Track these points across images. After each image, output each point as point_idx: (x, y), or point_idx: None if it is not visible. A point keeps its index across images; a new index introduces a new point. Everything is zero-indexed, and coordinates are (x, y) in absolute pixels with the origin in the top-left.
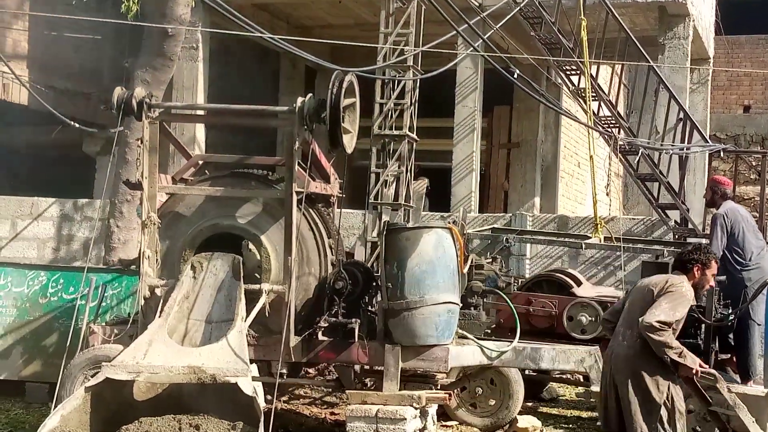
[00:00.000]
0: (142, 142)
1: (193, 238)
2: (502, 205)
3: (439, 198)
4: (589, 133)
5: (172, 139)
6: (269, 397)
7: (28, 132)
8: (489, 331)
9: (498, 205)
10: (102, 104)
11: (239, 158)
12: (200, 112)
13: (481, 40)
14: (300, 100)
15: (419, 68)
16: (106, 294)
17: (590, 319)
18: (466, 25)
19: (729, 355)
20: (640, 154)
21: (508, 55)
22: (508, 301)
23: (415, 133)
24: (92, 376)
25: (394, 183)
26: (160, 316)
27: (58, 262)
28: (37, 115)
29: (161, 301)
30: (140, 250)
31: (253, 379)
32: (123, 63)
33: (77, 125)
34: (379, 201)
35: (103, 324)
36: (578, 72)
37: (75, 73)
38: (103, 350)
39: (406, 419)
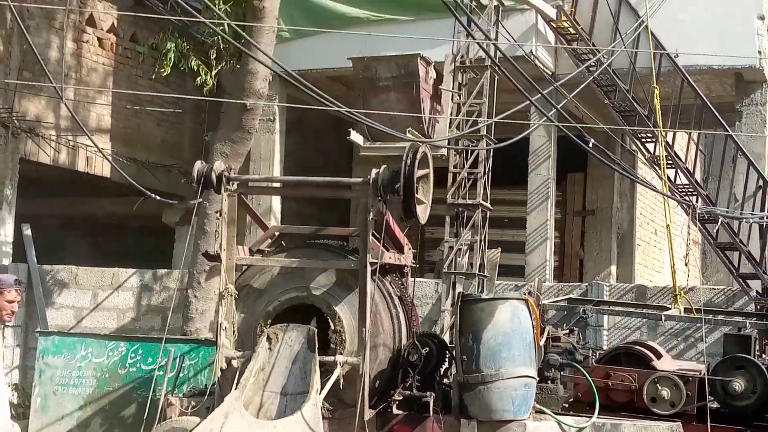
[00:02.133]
0: (221, 215)
1: (269, 309)
2: (577, 273)
3: (513, 267)
4: (665, 201)
5: (249, 210)
6: None
7: (110, 204)
8: (567, 405)
9: (573, 274)
10: (182, 178)
11: (314, 229)
12: (277, 184)
13: (555, 110)
14: (374, 171)
15: (492, 137)
16: (183, 365)
17: (671, 393)
18: (539, 95)
19: None
20: (719, 222)
21: (582, 125)
22: (586, 375)
23: (488, 201)
24: None
25: (468, 252)
26: (236, 388)
27: (137, 333)
28: (118, 187)
29: (237, 372)
30: (217, 321)
31: None
32: (203, 136)
33: (157, 197)
34: (453, 270)
35: (181, 395)
36: (653, 139)
37: (156, 146)
38: (180, 422)
39: None
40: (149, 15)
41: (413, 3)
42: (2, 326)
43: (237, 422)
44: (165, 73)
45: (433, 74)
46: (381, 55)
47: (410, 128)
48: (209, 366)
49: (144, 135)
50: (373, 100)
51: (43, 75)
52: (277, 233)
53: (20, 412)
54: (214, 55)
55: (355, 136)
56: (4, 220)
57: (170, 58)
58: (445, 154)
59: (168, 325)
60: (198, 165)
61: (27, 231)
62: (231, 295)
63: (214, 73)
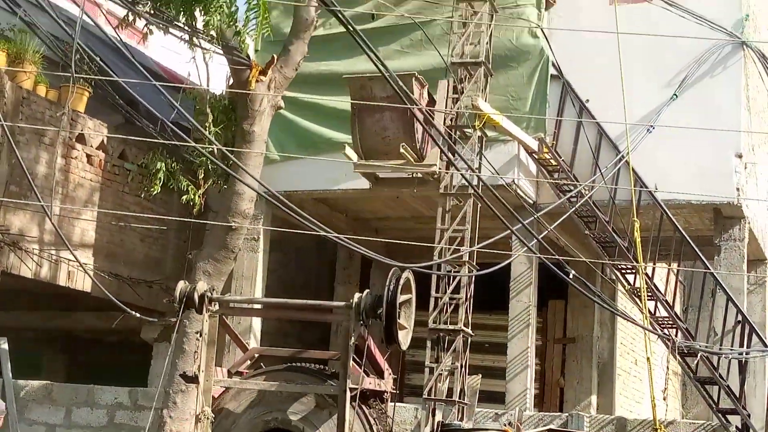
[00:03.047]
0: (201, 335)
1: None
2: (557, 401)
3: (494, 393)
4: (645, 334)
5: (230, 331)
6: None
7: (89, 318)
8: None
9: (554, 402)
10: (164, 294)
11: (294, 352)
12: (258, 306)
13: (535, 240)
14: (357, 295)
15: (474, 263)
16: None
17: None
18: (521, 224)
19: None
20: (699, 356)
21: (564, 258)
22: None
23: (470, 326)
24: None
25: (448, 377)
26: None
27: None
28: (98, 302)
29: None
30: None
31: None
32: (187, 254)
33: (137, 314)
34: (432, 396)
35: None
36: (633, 271)
37: (139, 261)
38: None
39: None
40: (139, 138)
41: None
42: None
43: None
44: (154, 192)
45: (426, 97)
46: (375, 74)
47: (404, 144)
48: None
49: (127, 250)
50: (368, 120)
51: (30, 189)
52: (256, 355)
53: None
54: (202, 175)
55: (350, 152)
56: None
57: (159, 178)
58: (437, 172)
59: None
60: (181, 285)
61: (3, 344)
62: (207, 418)
63: (201, 192)
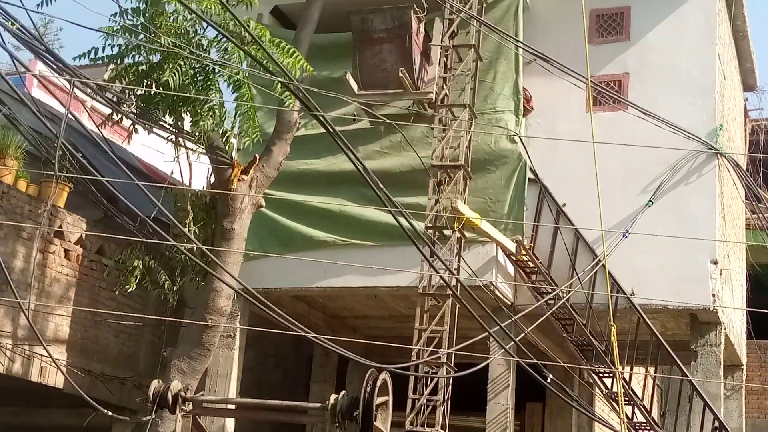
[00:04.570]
0: None
1: None
2: None
3: None
4: None
5: (202, 431)
6: None
7: (59, 414)
8: None
9: None
10: (136, 391)
11: None
12: (232, 406)
13: (513, 342)
14: (333, 397)
15: (452, 364)
16: None
17: None
18: (498, 326)
19: None
20: None
21: (541, 362)
22: None
23: (447, 429)
24: None
25: None
26: None
27: None
28: (70, 398)
29: None
30: None
31: None
32: (161, 351)
33: (109, 413)
34: None
35: None
36: (611, 375)
37: (112, 357)
38: None
39: None
40: (117, 236)
41: (380, 231)
42: None
43: None
44: (130, 290)
45: (423, 31)
46: (377, 7)
47: (403, 70)
48: None
49: (101, 346)
50: (368, 51)
51: (5, 283)
52: None
53: None
54: (179, 271)
55: (350, 80)
56: None
57: (135, 275)
58: (433, 98)
59: None
60: (155, 384)
61: None
62: None
63: (176, 288)
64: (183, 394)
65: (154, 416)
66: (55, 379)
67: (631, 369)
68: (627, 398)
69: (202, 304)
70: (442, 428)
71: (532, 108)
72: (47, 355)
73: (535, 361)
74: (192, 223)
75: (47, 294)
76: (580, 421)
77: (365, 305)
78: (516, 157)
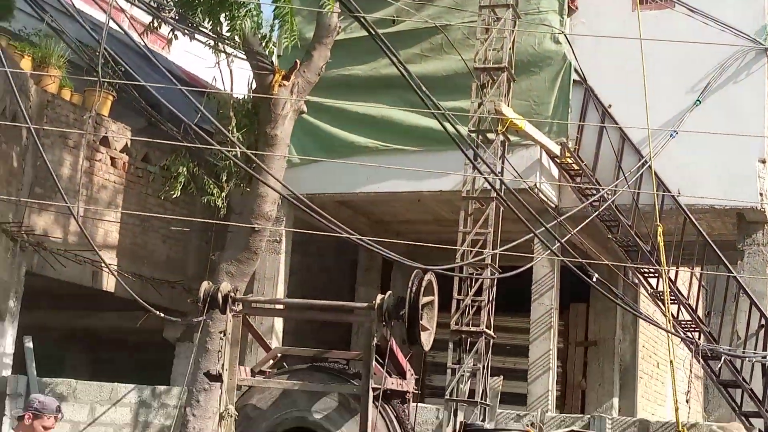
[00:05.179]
0: (224, 335)
1: (269, 431)
2: (579, 404)
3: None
4: (668, 337)
5: (253, 331)
6: None
7: (112, 318)
8: None
9: (575, 404)
10: (186, 294)
11: (317, 352)
12: (281, 307)
13: (558, 243)
14: (379, 297)
15: (497, 266)
16: None
17: None
18: (543, 228)
19: None
20: (722, 360)
21: (586, 261)
22: None
23: (491, 329)
24: None
25: (470, 378)
26: None
27: None
28: (122, 302)
29: None
30: None
31: None
32: (210, 255)
33: (161, 314)
34: (454, 397)
35: None
36: (656, 275)
37: (161, 262)
38: None
39: None
40: (162, 141)
41: (421, 135)
42: None
43: None
44: (174, 195)
45: None
46: None
47: None
48: None
49: (150, 251)
50: None
51: (55, 191)
52: (279, 354)
53: None
54: (225, 178)
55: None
56: (5, 332)
57: (180, 181)
58: None
59: None
60: (205, 285)
61: (28, 343)
62: (231, 416)
63: (224, 194)
64: (232, 294)
65: (204, 317)
66: (107, 283)
67: (677, 269)
68: (672, 297)
69: (248, 209)
70: (486, 328)
71: (577, 8)
72: (99, 260)
73: (580, 260)
74: (235, 130)
75: (95, 201)
76: (625, 321)
77: (409, 210)
78: (560, 57)
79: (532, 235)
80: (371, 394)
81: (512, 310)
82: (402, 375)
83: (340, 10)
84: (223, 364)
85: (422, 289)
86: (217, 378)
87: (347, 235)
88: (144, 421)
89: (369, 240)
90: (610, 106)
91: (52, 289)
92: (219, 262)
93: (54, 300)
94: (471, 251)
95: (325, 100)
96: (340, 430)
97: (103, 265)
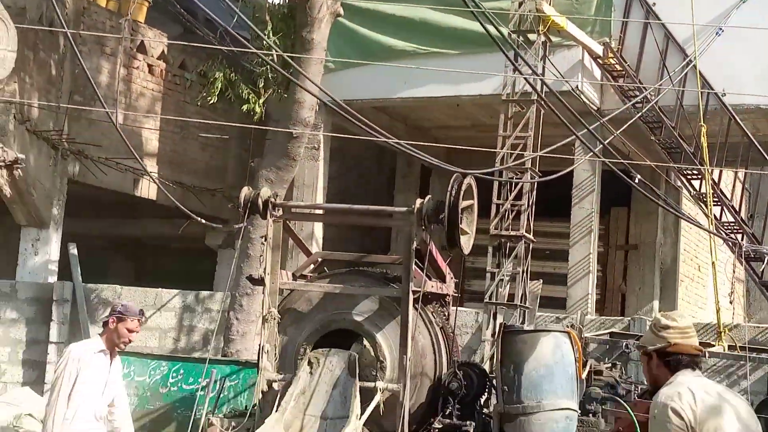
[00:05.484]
0: (265, 240)
1: (311, 333)
2: (619, 308)
3: (555, 299)
4: (711, 239)
5: (293, 236)
6: None
7: (154, 225)
8: None
9: (615, 308)
10: (226, 202)
11: (357, 256)
12: (320, 211)
13: (601, 145)
14: (419, 201)
15: (537, 170)
16: (224, 386)
17: None
18: (585, 130)
19: None
20: (765, 261)
21: (628, 161)
22: (629, 409)
23: (531, 233)
24: None
25: (509, 283)
26: (276, 411)
27: (177, 353)
28: (163, 209)
29: (278, 395)
30: (260, 344)
31: None
32: (249, 162)
33: (203, 221)
34: (494, 301)
35: (221, 416)
36: (699, 176)
37: (201, 170)
38: None
39: None
40: (199, 45)
41: (460, 38)
42: (113, 356)
43: None
44: (212, 101)
45: None
46: None
47: None
48: (249, 388)
49: (190, 159)
50: None
51: (93, 99)
52: (320, 259)
53: None
54: (262, 84)
55: None
56: (50, 239)
57: (217, 87)
58: None
59: (210, 347)
60: (245, 191)
61: (73, 250)
62: (274, 319)
63: (262, 101)
64: (272, 199)
65: (245, 223)
66: (148, 191)
67: (721, 171)
68: (715, 198)
69: (285, 115)
70: (526, 232)
71: None
72: (139, 167)
73: (622, 160)
74: (271, 34)
75: (133, 108)
76: (666, 224)
77: (447, 115)
78: None
79: (573, 138)
80: (411, 296)
81: (552, 215)
82: (442, 279)
83: None
84: (265, 268)
85: (462, 192)
86: (259, 282)
87: (385, 139)
88: (189, 326)
89: (406, 143)
90: (654, 3)
91: (94, 198)
92: (258, 169)
93: (97, 208)
94: (512, 154)
95: (363, 3)
96: (381, 332)
97: (143, 172)
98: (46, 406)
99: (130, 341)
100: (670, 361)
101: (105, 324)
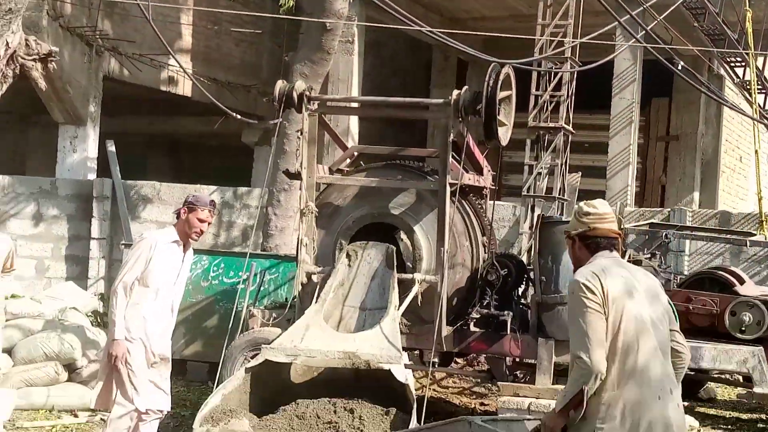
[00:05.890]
0: (301, 134)
1: (349, 227)
2: (658, 199)
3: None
4: (754, 127)
5: (329, 130)
6: (419, 384)
7: (190, 122)
8: None
9: (654, 200)
10: (263, 97)
11: (393, 150)
12: (356, 105)
13: (644, 31)
14: (456, 92)
15: (577, 60)
16: (264, 279)
17: (754, 318)
18: (627, 16)
19: None
20: None
21: (671, 47)
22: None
23: (570, 125)
24: (252, 358)
25: (548, 176)
26: (316, 302)
27: (217, 248)
28: (199, 106)
29: (317, 287)
30: (298, 237)
31: (405, 366)
32: (283, 56)
33: (238, 116)
34: (532, 193)
35: (262, 308)
36: (743, 64)
37: (235, 66)
38: (262, 333)
39: None
40: None
41: None
42: (186, 248)
43: (317, 334)
44: None
45: None
46: None
47: None
48: (289, 281)
49: (223, 55)
50: None
51: None
52: (356, 153)
53: (105, 321)
54: None
55: None
56: (88, 136)
57: None
58: None
59: (250, 242)
60: (280, 84)
61: (111, 147)
62: (311, 213)
63: None
64: (307, 93)
65: (281, 118)
66: (183, 88)
67: (765, 58)
68: (760, 86)
69: (318, 7)
70: (565, 124)
71: None
72: (173, 63)
73: (665, 45)
74: None
75: (165, 1)
76: (708, 114)
77: (484, 5)
78: None
79: (614, 24)
80: (448, 189)
81: (592, 106)
82: (479, 171)
83: None
84: (301, 162)
85: (500, 82)
86: (296, 176)
87: (420, 28)
88: (228, 221)
89: (442, 33)
90: None
91: (130, 95)
92: (292, 63)
93: (133, 106)
94: (552, 41)
95: None
96: (419, 224)
97: (178, 68)
98: (112, 286)
99: (202, 232)
100: (589, 243)
101: (177, 215)
